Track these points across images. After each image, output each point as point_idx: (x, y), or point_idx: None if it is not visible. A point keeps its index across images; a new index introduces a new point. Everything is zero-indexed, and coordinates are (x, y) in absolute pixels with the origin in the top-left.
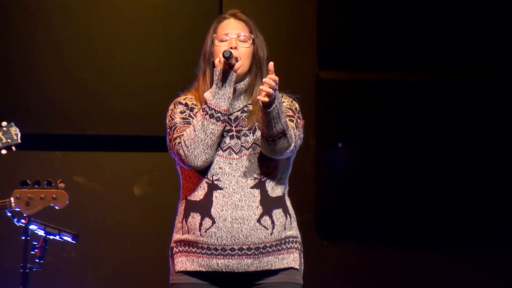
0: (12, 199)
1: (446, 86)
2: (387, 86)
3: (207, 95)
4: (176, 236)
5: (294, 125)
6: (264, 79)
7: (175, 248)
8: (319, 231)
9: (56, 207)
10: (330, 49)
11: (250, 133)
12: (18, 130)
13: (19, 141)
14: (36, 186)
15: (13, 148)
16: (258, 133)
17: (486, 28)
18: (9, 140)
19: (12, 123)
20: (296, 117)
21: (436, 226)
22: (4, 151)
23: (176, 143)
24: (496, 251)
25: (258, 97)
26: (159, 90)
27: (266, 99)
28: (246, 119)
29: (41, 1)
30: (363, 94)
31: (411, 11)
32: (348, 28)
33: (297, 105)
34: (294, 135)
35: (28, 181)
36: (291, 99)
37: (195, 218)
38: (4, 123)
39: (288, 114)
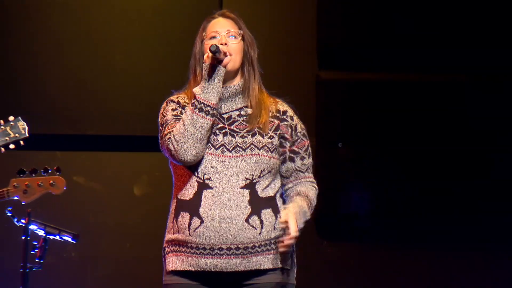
0: (9, 187)
1: (446, 86)
2: (387, 86)
3: (196, 90)
4: (168, 236)
5: (308, 164)
6: (284, 245)
7: (167, 248)
8: (319, 231)
9: (54, 194)
10: (330, 49)
11: (248, 135)
12: (25, 124)
13: (27, 135)
14: (33, 174)
15: (21, 142)
16: (258, 136)
17: (486, 28)
18: (17, 135)
19: (19, 118)
20: (307, 153)
21: (436, 226)
22: (12, 146)
23: (167, 139)
24: (496, 251)
25: (281, 248)
26: (159, 90)
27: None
28: (245, 122)
29: (41, 1)
30: (363, 94)
31: (411, 11)
32: (348, 28)
33: (302, 125)
34: (312, 200)
35: (25, 169)
36: (296, 115)
37: (184, 217)
38: (11, 118)
39: (299, 153)
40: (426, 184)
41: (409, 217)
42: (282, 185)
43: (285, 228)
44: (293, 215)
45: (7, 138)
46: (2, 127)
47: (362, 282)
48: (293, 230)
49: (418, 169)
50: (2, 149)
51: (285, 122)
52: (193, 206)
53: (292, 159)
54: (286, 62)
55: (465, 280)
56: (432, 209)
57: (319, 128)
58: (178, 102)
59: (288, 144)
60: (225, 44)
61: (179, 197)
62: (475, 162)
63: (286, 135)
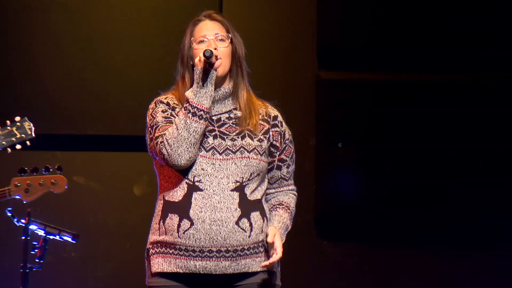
0: (11, 187)
1: (446, 86)
2: (387, 86)
3: (189, 93)
4: (153, 237)
5: (291, 171)
6: (271, 260)
7: (151, 250)
8: (319, 231)
9: (55, 192)
10: (330, 49)
11: (238, 137)
12: (31, 124)
13: (33, 135)
14: (35, 173)
15: (28, 142)
16: (248, 139)
17: (486, 28)
18: (23, 135)
19: (26, 118)
20: (292, 160)
21: (436, 226)
22: (18, 146)
23: (159, 142)
24: (495, 251)
25: (263, 264)
26: (159, 90)
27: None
28: (234, 125)
29: (41, 1)
30: (363, 94)
31: (411, 11)
32: (348, 28)
33: (289, 130)
34: (293, 210)
35: (26, 168)
36: (284, 120)
37: (173, 219)
38: (17, 118)
39: (286, 161)
40: (426, 184)
41: (410, 217)
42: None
43: (271, 246)
44: (279, 235)
45: (13, 139)
46: (8, 127)
47: (362, 282)
48: (280, 252)
49: (418, 169)
50: (9, 149)
51: (277, 129)
52: (182, 208)
53: (279, 168)
54: (286, 62)
55: (465, 280)
56: (432, 209)
57: (319, 128)
58: (167, 104)
59: (277, 153)
60: (215, 49)
61: (166, 198)
62: (475, 162)
63: (277, 143)
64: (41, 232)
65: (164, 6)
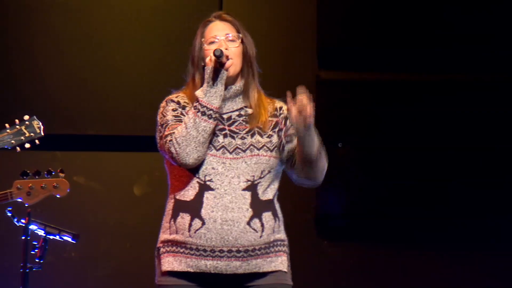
0: (13, 189)
1: (446, 86)
2: (387, 86)
3: (199, 93)
4: (163, 236)
5: None
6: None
7: (162, 248)
8: (319, 231)
9: (57, 196)
10: (330, 49)
11: (248, 135)
12: (40, 123)
13: (42, 134)
14: (37, 176)
15: (37, 141)
16: (257, 137)
17: (486, 28)
18: (32, 134)
19: (34, 117)
20: None
21: (436, 226)
22: (28, 145)
23: (168, 141)
24: (495, 251)
25: (295, 123)
26: (159, 90)
27: (309, 122)
28: (245, 123)
29: (41, 1)
30: (363, 94)
31: (411, 11)
32: (348, 28)
33: None
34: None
35: (28, 171)
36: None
37: (184, 218)
38: (26, 117)
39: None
40: (426, 184)
41: (410, 217)
42: (289, 169)
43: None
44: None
45: (22, 138)
46: (17, 126)
47: (362, 282)
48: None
49: (418, 169)
50: (18, 148)
51: (282, 115)
52: (194, 207)
53: (290, 141)
54: (286, 62)
55: (465, 280)
56: (432, 209)
57: (319, 128)
58: (178, 102)
59: (283, 131)
60: (226, 49)
61: (177, 197)
62: (475, 162)
63: (281, 126)
64: (41, 232)
65: (164, 6)
